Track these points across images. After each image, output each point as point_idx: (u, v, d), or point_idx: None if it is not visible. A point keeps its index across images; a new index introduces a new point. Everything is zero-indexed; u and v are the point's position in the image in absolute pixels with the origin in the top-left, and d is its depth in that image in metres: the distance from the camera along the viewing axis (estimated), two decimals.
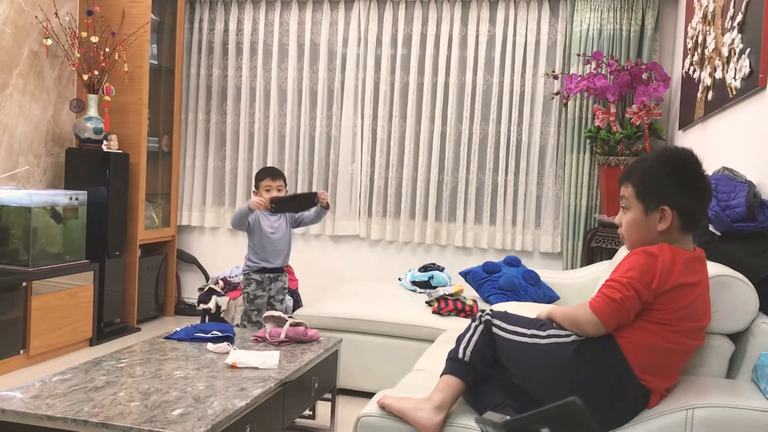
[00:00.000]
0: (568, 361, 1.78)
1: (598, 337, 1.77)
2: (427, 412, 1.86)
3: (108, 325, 4.53)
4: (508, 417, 1.70)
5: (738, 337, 1.97)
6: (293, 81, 5.18)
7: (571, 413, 1.34)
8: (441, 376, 1.96)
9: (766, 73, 2.40)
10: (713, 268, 1.97)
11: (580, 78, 4.31)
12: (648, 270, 1.74)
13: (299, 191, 5.11)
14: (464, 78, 4.92)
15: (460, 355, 1.94)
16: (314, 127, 5.19)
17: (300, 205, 3.53)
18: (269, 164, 5.19)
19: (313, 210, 3.62)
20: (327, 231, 5.16)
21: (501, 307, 3.06)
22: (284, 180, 3.63)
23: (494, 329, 1.95)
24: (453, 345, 2.01)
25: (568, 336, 1.82)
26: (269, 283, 3.58)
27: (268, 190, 3.54)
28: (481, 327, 1.97)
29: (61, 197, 4.23)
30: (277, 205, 3.42)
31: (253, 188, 3.67)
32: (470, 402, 1.98)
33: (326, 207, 3.56)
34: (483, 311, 2.04)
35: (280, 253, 3.60)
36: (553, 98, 4.67)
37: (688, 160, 1.85)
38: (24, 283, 3.81)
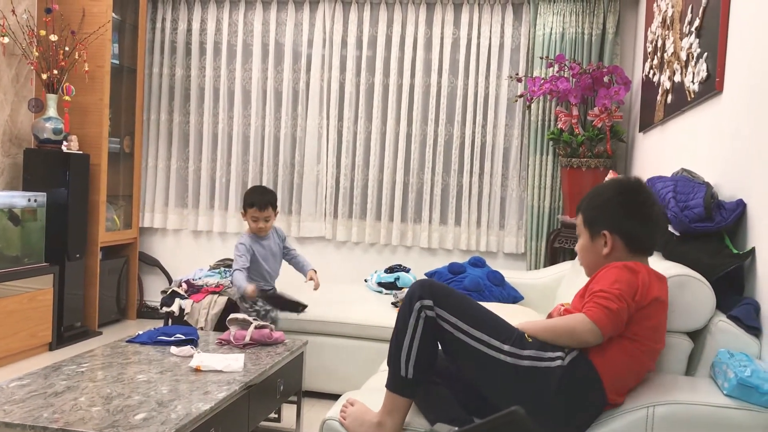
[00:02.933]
0: (552, 390, 1.75)
1: (581, 364, 1.76)
2: None
3: (68, 329, 4.44)
4: (456, 429, 1.74)
5: (696, 335, 2.02)
6: (257, 81, 5.15)
7: (515, 422, 1.38)
8: (386, 388, 1.89)
9: (723, 77, 2.46)
10: (672, 268, 2.01)
11: (543, 81, 4.36)
12: (632, 283, 1.78)
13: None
14: (429, 80, 4.94)
15: (402, 372, 1.83)
16: (279, 128, 5.16)
17: (282, 307, 3.45)
18: (233, 166, 5.16)
19: (301, 265, 3.64)
20: (292, 233, 5.14)
21: None
22: (273, 207, 3.48)
23: (442, 323, 1.83)
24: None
25: (552, 360, 1.77)
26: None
27: (255, 221, 3.45)
28: (420, 328, 1.83)
29: (19, 199, 4.14)
30: (263, 297, 3.38)
31: (241, 209, 3.56)
32: (421, 407, 1.94)
33: (301, 310, 3.45)
34: (421, 297, 1.84)
35: (274, 275, 3.60)
36: (516, 101, 4.71)
37: (631, 187, 1.94)
38: None
